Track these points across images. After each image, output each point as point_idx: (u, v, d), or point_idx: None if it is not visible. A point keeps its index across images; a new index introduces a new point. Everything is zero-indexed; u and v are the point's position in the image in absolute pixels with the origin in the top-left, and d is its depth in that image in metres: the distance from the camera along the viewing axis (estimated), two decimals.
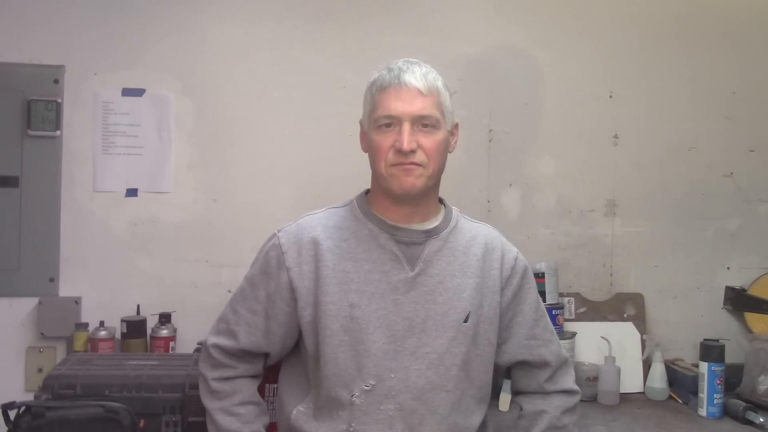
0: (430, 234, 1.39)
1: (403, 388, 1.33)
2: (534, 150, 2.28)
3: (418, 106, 1.32)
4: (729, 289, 2.31)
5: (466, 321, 1.37)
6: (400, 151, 1.31)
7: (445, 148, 1.37)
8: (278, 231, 1.41)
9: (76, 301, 2.07)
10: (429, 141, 1.33)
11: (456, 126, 1.42)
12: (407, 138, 1.30)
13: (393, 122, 1.32)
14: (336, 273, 1.34)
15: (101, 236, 2.09)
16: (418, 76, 1.33)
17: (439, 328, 1.35)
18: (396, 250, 1.36)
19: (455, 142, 1.43)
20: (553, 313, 2.08)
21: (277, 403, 1.49)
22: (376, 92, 1.34)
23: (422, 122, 1.32)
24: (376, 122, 1.34)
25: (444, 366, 1.35)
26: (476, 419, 1.41)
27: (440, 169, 1.37)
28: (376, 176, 1.38)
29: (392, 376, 1.33)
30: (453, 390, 1.36)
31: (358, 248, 1.36)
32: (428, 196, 1.40)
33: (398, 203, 1.37)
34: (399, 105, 1.31)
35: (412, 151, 1.31)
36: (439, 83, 1.36)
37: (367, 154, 1.41)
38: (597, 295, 2.29)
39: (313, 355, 1.36)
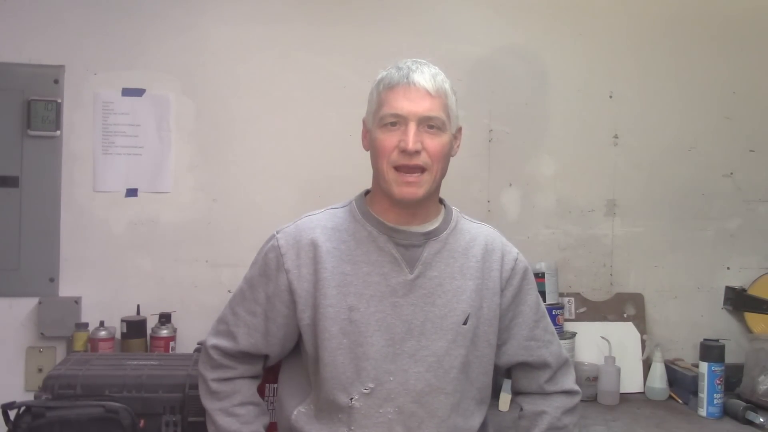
0: (429, 236, 1.39)
1: (402, 391, 1.33)
2: (534, 150, 2.28)
3: (425, 107, 1.31)
4: (729, 289, 2.31)
5: (465, 323, 1.36)
6: (404, 151, 1.30)
7: (448, 152, 1.36)
8: (277, 232, 1.41)
9: (76, 301, 2.07)
10: (434, 143, 1.32)
11: (459, 130, 1.41)
12: (413, 138, 1.29)
13: (399, 121, 1.31)
14: (335, 275, 1.34)
15: (101, 236, 2.09)
16: (427, 76, 1.32)
17: (438, 330, 1.35)
18: (395, 252, 1.36)
19: (458, 147, 1.42)
20: (553, 313, 2.08)
21: (276, 404, 1.49)
22: (383, 90, 1.33)
23: (428, 123, 1.31)
24: (382, 120, 1.32)
25: (443, 369, 1.35)
26: (476, 421, 1.40)
27: (443, 173, 1.36)
28: (377, 175, 1.37)
29: (391, 379, 1.33)
30: (452, 392, 1.35)
31: (357, 250, 1.36)
32: (429, 199, 1.39)
33: (398, 205, 1.36)
34: (406, 104, 1.30)
35: (417, 152, 1.30)
36: (447, 86, 1.35)
37: (368, 153, 1.40)
38: (597, 295, 2.29)
39: (312, 357, 1.36)
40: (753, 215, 2.35)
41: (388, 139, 1.31)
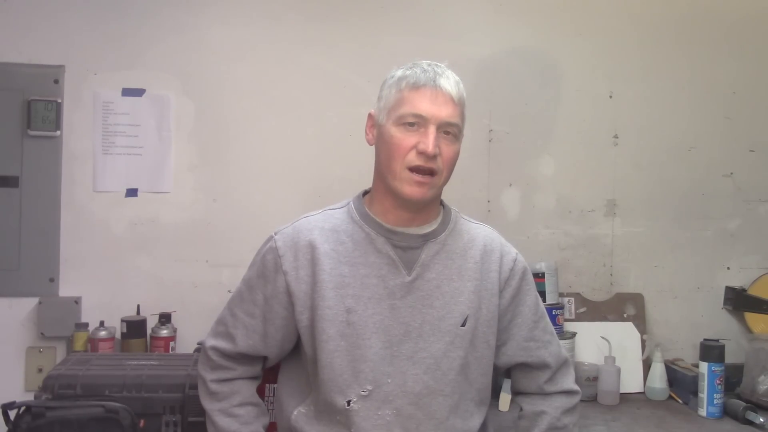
0: (427, 238, 1.38)
1: (400, 393, 1.33)
2: (534, 150, 2.28)
3: (447, 112, 1.31)
4: (729, 289, 2.31)
5: (463, 325, 1.36)
6: (423, 154, 1.29)
7: (457, 159, 1.36)
8: (275, 233, 1.40)
9: (76, 301, 2.07)
10: (448, 149, 1.32)
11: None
12: (433, 142, 1.29)
13: (419, 122, 1.30)
14: (333, 277, 1.34)
15: (101, 236, 2.09)
16: (452, 83, 1.33)
17: (436, 332, 1.35)
18: (393, 254, 1.36)
19: (458, 155, 1.42)
20: (553, 313, 2.08)
21: (276, 404, 1.49)
22: (406, 89, 1.32)
23: (446, 129, 1.31)
24: (401, 119, 1.31)
25: (441, 370, 1.34)
26: (476, 422, 1.40)
27: (448, 179, 1.37)
28: (385, 173, 1.35)
29: (389, 381, 1.33)
30: (451, 394, 1.35)
31: (355, 252, 1.36)
32: (431, 202, 1.39)
33: (400, 206, 1.36)
34: (431, 107, 1.30)
35: (434, 156, 1.30)
36: (465, 95, 1.36)
37: (369, 152, 1.40)
38: (597, 295, 2.29)
39: (311, 358, 1.36)
40: (753, 215, 2.35)
41: (406, 139, 1.31)
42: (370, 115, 1.40)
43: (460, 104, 1.33)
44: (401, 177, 1.31)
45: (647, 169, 2.31)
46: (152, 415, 1.59)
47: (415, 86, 1.32)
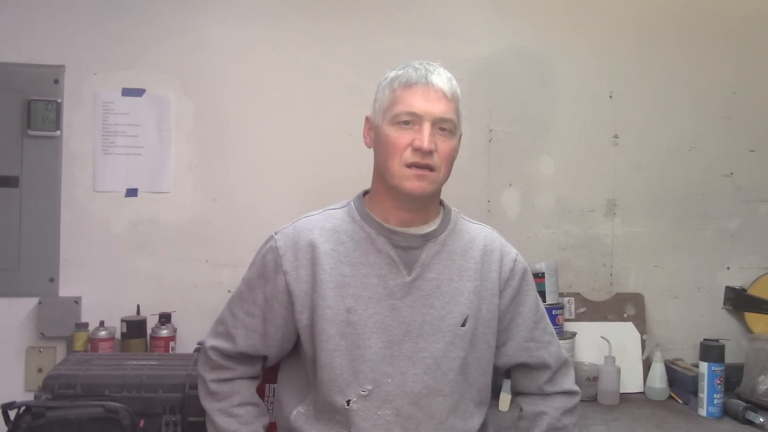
0: (427, 238, 1.38)
1: (399, 393, 1.33)
2: (534, 150, 2.28)
3: (441, 108, 1.31)
4: (729, 289, 2.31)
5: (463, 325, 1.36)
6: (418, 150, 1.30)
7: (455, 156, 1.37)
8: (275, 233, 1.41)
9: (76, 301, 2.07)
10: (445, 145, 1.33)
11: (460, 137, 1.41)
12: (428, 138, 1.29)
13: (413, 120, 1.31)
14: (333, 277, 1.34)
15: (101, 236, 2.09)
16: (444, 79, 1.33)
17: (436, 332, 1.35)
18: (393, 254, 1.36)
19: (456, 152, 1.42)
20: (553, 313, 2.08)
21: (275, 404, 1.49)
22: (399, 88, 1.33)
23: (441, 125, 1.32)
24: (395, 118, 1.32)
25: (441, 370, 1.35)
26: (475, 422, 1.40)
27: (447, 176, 1.37)
28: (383, 173, 1.35)
29: (389, 381, 1.33)
30: (450, 394, 1.35)
31: (355, 252, 1.36)
32: (430, 201, 1.39)
33: (400, 205, 1.36)
34: (423, 104, 1.30)
35: (430, 152, 1.30)
36: (459, 91, 1.36)
37: (369, 151, 1.40)
38: (597, 295, 2.29)
39: (310, 358, 1.36)
40: (753, 215, 2.35)
41: (401, 138, 1.31)
42: (367, 119, 1.41)
43: (453, 100, 1.33)
44: (400, 174, 1.32)
45: (647, 169, 2.31)
46: (152, 415, 1.59)
47: (407, 85, 1.32)
